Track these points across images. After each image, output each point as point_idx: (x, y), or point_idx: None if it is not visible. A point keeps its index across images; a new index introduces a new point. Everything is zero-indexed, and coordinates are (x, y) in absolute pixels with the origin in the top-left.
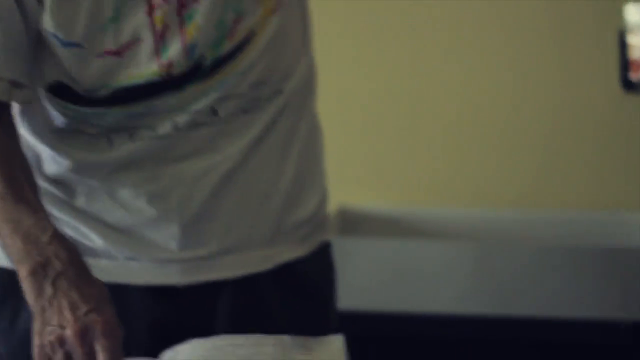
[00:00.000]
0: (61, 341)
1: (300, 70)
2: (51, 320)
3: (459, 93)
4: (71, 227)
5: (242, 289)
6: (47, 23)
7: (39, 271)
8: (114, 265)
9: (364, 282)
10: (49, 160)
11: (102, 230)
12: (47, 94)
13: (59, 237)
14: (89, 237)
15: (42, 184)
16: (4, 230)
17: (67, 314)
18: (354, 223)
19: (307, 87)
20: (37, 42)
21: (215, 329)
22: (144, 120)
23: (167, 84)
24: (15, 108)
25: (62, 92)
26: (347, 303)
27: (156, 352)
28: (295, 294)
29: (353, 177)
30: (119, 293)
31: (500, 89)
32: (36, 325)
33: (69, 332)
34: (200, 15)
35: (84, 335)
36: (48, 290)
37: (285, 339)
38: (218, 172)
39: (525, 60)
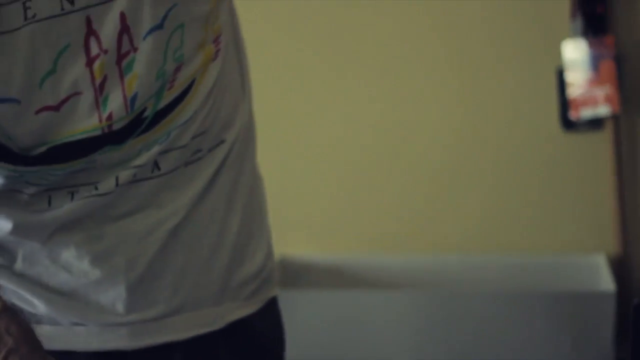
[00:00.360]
0: None
1: (241, 117)
2: None
3: (399, 137)
4: (12, 292)
5: (194, 350)
6: None
7: None
8: (58, 331)
9: (308, 335)
10: None
11: (44, 295)
12: None
13: (9, 312)
14: (31, 303)
15: None
16: None
17: None
18: (295, 274)
19: (248, 135)
20: None
21: None
22: (85, 177)
23: (108, 138)
24: None
25: None
26: (294, 357)
27: None
28: (248, 352)
29: (292, 226)
30: None
31: (440, 131)
32: None
33: None
34: (139, 64)
35: None
36: None
37: None
38: (164, 229)
39: (466, 101)
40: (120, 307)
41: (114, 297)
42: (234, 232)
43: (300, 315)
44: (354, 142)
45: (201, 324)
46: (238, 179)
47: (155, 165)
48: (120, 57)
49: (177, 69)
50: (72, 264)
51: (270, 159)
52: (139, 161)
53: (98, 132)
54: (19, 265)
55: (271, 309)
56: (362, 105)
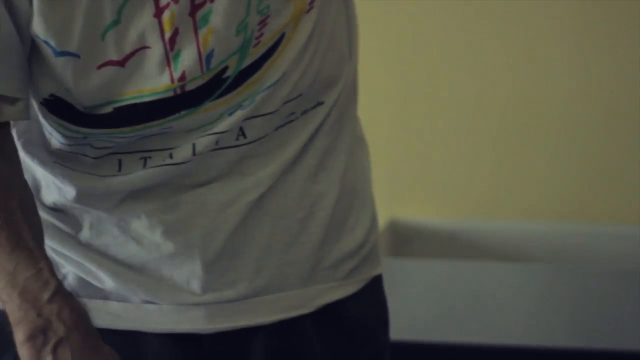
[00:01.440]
0: None
1: (345, 78)
2: None
3: (518, 102)
4: (76, 264)
5: (278, 336)
6: (37, 27)
7: (38, 336)
8: (127, 309)
9: (417, 309)
10: (50, 187)
11: (112, 268)
12: (41, 110)
13: (62, 294)
14: (97, 277)
15: (41, 214)
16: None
17: None
18: (406, 240)
19: (351, 96)
20: (32, 48)
21: None
22: (158, 142)
23: (182, 100)
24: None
25: (59, 108)
26: (399, 334)
27: None
28: (341, 340)
29: (403, 188)
30: (134, 341)
31: (557, 98)
32: None
33: None
34: (217, 16)
35: None
36: (48, 359)
37: None
38: (246, 199)
39: (587, 66)
40: (195, 285)
41: (189, 274)
42: (329, 204)
43: (410, 286)
44: (477, 102)
45: (287, 307)
46: (335, 145)
47: (241, 132)
48: (195, 7)
49: (262, 23)
50: (143, 235)
51: (386, 111)
52: (220, 127)
53: (170, 94)
54: (85, 233)
55: (372, 290)
56: (480, 62)
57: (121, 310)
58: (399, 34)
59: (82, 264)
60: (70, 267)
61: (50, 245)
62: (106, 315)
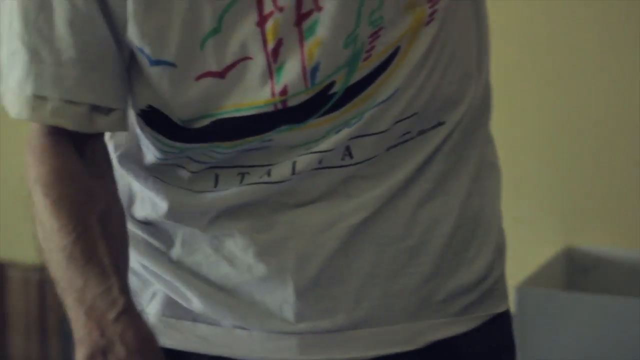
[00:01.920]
0: None
1: (471, 96)
2: None
3: None
4: (165, 283)
5: None
6: (132, 33)
7: (97, 357)
8: (217, 333)
9: (593, 347)
10: (144, 201)
11: (202, 288)
12: (139, 122)
13: (129, 314)
14: (186, 297)
15: (133, 229)
16: (68, 298)
17: None
18: (583, 271)
19: (479, 116)
20: (131, 55)
21: None
22: (258, 158)
23: (283, 116)
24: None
25: (156, 120)
26: None
27: None
28: None
29: (581, 213)
30: None
31: None
32: None
33: None
34: (323, 27)
35: None
36: None
37: None
38: (347, 223)
39: None
40: (288, 312)
41: (282, 300)
42: (444, 232)
43: (586, 323)
44: None
45: (390, 342)
46: (456, 168)
47: (347, 151)
48: (300, 17)
49: (374, 35)
50: (236, 255)
51: (549, 130)
52: (324, 145)
53: (270, 108)
54: (176, 250)
55: (493, 329)
56: None
57: (210, 333)
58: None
59: (172, 282)
60: (159, 285)
61: (141, 261)
62: (195, 338)
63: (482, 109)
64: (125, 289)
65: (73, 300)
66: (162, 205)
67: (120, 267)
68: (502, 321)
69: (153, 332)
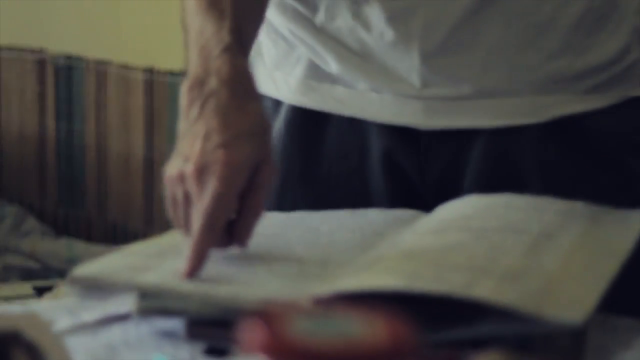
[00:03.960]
0: (181, 177)
1: None
2: (183, 150)
3: None
4: (308, 47)
5: (503, 143)
6: None
7: (195, 88)
8: (351, 96)
9: None
10: None
11: (340, 52)
12: None
13: (231, 51)
14: (326, 60)
15: None
16: (191, 40)
17: (197, 146)
18: None
19: None
20: None
21: (461, 188)
22: None
23: None
24: None
25: None
26: None
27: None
28: (578, 158)
29: None
30: (358, 127)
31: None
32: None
33: (189, 169)
34: None
35: (201, 175)
36: (194, 111)
37: (577, 206)
38: None
39: None
40: (414, 78)
41: (409, 65)
42: (575, 12)
43: None
44: None
45: (515, 113)
46: None
47: None
48: None
49: None
50: (372, 21)
51: None
52: None
53: None
54: (320, 16)
55: (626, 110)
56: None
57: (346, 96)
58: None
59: (314, 47)
60: (303, 48)
61: (288, 26)
62: (332, 100)
63: None
64: (236, 29)
65: (193, 41)
66: None
67: (243, 14)
68: (638, 105)
69: (250, 69)
